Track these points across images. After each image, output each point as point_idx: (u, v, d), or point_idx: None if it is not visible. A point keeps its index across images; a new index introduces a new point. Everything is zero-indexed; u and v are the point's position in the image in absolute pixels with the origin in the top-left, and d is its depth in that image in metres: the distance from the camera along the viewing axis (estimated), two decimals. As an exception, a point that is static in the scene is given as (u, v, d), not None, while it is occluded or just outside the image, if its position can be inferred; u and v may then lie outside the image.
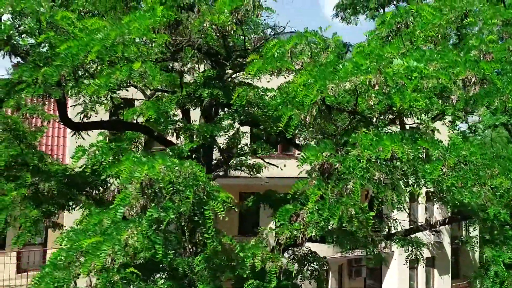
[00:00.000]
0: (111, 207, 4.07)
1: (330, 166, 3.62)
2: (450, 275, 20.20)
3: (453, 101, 4.16)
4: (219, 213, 3.80)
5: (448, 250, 19.87)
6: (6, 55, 5.11)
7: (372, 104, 3.90)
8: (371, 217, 3.72)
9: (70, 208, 7.86)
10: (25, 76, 5.00)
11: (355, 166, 3.59)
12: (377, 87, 3.86)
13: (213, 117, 7.54)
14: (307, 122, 4.11)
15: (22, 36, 5.05)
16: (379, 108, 3.96)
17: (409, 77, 4.04)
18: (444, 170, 3.57)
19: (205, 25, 5.11)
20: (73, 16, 4.98)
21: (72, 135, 8.34)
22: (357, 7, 11.56)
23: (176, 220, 3.87)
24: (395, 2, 10.54)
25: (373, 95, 3.97)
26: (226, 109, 6.83)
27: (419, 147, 3.58)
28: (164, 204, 3.90)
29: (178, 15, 5.02)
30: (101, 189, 7.87)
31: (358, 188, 3.49)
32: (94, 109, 7.53)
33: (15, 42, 5.01)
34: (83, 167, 8.39)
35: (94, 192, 7.89)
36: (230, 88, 6.30)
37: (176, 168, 3.69)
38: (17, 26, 4.89)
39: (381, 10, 11.47)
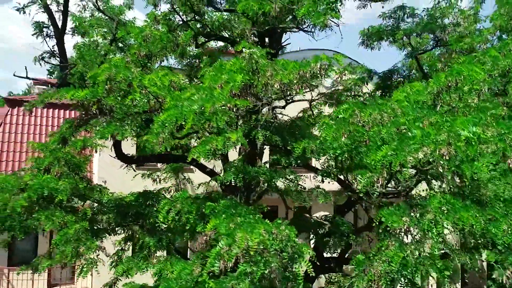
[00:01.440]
0: (208, 260, 4.54)
1: (407, 229, 4.12)
2: None
3: (510, 165, 4.64)
4: (308, 270, 4.29)
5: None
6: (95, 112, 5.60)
7: (441, 171, 4.40)
8: (446, 276, 4.22)
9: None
10: (109, 130, 5.50)
11: (431, 229, 4.09)
12: (447, 157, 4.35)
13: (257, 154, 8.04)
14: (379, 183, 4.61)
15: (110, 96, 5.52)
16: (447, 174, 4.46)
17: (470, 142, 4.54)
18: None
19: (275, 85, 5.58)
20: (158, 79, 5.47)
21: (124, 168, 8.90)
22: (383, 36, 12.02)
23: (268, 274, 4.35)
24: (421, 34, 11.01)
25: (441, 162, 4.45)
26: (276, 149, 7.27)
27: (489, 215, 4.08)
28: (255, 258, 4.39)
29: (250, 77, 5.49)
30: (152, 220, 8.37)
31: (436, 251, 3.98)
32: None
33: (103, 102, 5.50)
34: (134, 195, 9.02)
35: (147, 222, 8.38)
36: (287, 132, 6.75)
37: (274, 231, 4.17)
38: (107, 88, 5.36)
39: (405, 38, 11.92)
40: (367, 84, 12.41)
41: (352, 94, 12.24)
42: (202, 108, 4.71)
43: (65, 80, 7.04)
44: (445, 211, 4.14)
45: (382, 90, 12.35)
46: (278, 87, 5.60)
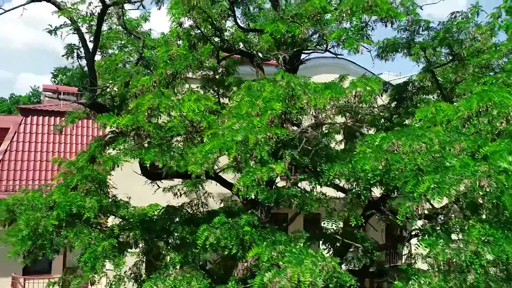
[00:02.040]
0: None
1: (450, 261, 4.23)
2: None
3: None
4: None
5: None
6: (132, 138, 5.70)
7: (481, 202, 4.51)
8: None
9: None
10: (149, 157, 5.60)
11: (473, 261, 4.20)
12: (486, 189, 4.46)
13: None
14: (420, 212, 4.72)
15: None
16: (488, 206, 4.57)
17: (508, 172, 4.65)
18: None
19: (309, 111, 5.69)
20: (196, 105, 5.57)
21: (149, 184, 9.03)
22: (398, 48, 12.12)
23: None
24: (436, 48, 11.11)
25: (480, 193, 4.57)
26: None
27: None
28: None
29: (287, 105, 5.59)
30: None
31: (481, 284, 4.09)
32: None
33: (142, 128, 5.60)
34: (155, 207, 9.16)
35: (172, 238, 8.50)
36: (314, 152, 6.85)
37: (320, 263, 4.28)
38: (147, 116, 5.46)
39: (421, 51, 12.02)
40: (382, 95, 12.52)
41: (368, 106, 12.36)
42: (246, 139, 4.81)
43: (95, 101, 7.13)
44: (486, 242, 4.25)
45: (397, 101, 12.45)
46: (313, 113, 5.70)
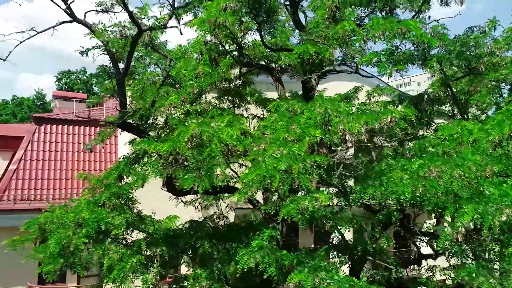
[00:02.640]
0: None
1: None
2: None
3: None
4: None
5: None
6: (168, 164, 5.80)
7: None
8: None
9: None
10: (189, 183, 5.70)
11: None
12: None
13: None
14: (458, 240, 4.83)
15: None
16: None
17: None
18: None
19: (346, 137, 5.78)
20: (235, 132, 5.67)
21: (174, 200, 9.15)
22: (414, 61, 12.23)
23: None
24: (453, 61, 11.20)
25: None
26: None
27: None
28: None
29: (324, 131, 5.69)
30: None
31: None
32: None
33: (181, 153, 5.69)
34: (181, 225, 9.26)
35: (197, 254, 8.59)
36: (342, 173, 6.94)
37: None
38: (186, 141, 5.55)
39: (437, 64, 12.11)
40: (397, 107, 12.63)
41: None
42: (289, 168, 4.91)
43: (125, 120, 7.23)
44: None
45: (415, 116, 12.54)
46: (348, 137, 5.80)
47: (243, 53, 9.98)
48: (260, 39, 8.36)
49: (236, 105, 11.87)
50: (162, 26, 6.98)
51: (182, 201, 9.42)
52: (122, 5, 5.69)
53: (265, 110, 12.24)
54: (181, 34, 7.40)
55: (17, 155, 15.50)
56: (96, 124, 17.32)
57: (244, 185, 4.98)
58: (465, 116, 12.04)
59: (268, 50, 8.67)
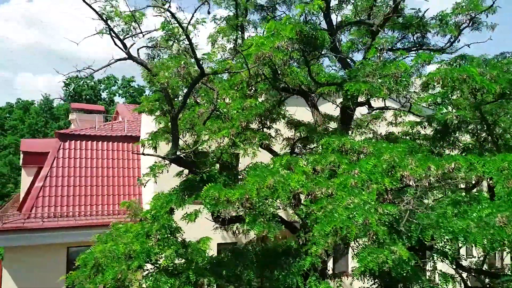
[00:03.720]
0: None
1: None
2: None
3: None
4: None
5: None
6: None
7: None
8: None
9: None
10: (258, 229, 5.83)
11: None
12: None
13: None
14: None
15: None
16: None
17: None
18: None
19: (410, 182, 5.90)
20: (299, 177, 5.79)
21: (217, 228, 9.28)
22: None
23: None
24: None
25: None
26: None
27: None
28: None
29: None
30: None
31: None
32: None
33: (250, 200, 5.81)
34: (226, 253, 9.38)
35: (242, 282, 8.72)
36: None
37: None
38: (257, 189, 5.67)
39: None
40: (425, 128, 12.75)
41: (410, 138, 12.61)
42: (366, 220, 5.03)
43: (177, 156, 7.35)
44: None
45: (441, 133, 12.66)
46: (412, 183, 5.92)
47: (281, 79, 10.11)
48: (308, 74, 8.44)
49: (266, 126, 12.01)
50: (226, 71, 7.10)
51: (226, 229, 9.50)
52: (191, 52, 5.76)
53: (295, 131, 12.38)
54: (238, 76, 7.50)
55: (43, 172, 15.60)
56: (119, 139, 17.45)
57: (320, 236, 5.10)
58: (495, 140, 12.15)
59: (316, 84, 8.77)
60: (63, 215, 14.95)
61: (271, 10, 12.26)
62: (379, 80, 6.91)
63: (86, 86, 47.53)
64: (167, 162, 7.98)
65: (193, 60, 7.12)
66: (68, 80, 48.20)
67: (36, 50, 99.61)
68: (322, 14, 9.72)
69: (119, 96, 49.60)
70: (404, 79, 7.10)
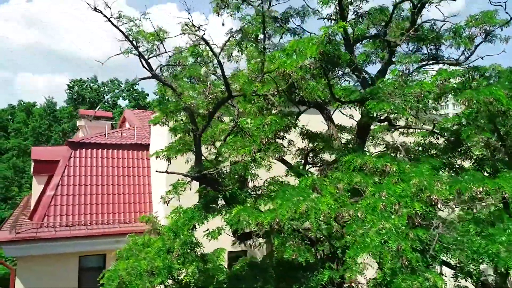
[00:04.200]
0: None
1: None
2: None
3: None
4: None
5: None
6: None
7: None
8: None
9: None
10: (290, 251, 5.87)
11: None
12: None
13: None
14: None
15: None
16: None
17: None
18: None
19: (437, 205, 5.94)
20: (330, 201, 5.83)
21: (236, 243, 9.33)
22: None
23: None
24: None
25: None
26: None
27: None
28: None
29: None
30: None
31: None
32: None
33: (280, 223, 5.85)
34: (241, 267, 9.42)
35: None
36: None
37: None
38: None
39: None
40: (437, 139, 12.80)
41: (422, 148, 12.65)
42: (398, 248, 5.08)
43: (201, 174, 7.40)
44: None
45: (453, 144, 12.70)
46: (441, 207, 5.97)
47: (297, 92, 10.15)
48: (330, 92, 8.49)
49: (279, 137, 12.04)
50: (253, 93, 7.15)
51: (245, 244, 9.56)
52: (222, 78, 5.82)
53: (309, 143, 12.43)
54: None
55: (54, 180, 15.64)
56: (129, 147, 17.49)
57: (353, 262, 5.15)
58: (509, 151, 12.18)
59: (340, 102, 8.81)
60: (75, 224, 14.99)
61: (284, 22, 12.31)
62: (401, 99, 6.95)
63: (89, 89, 47.53)
64: (189, 179, 8.01)
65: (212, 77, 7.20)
66: (72, 83, 48.25)
67: (36, 50, 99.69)
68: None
69: (122, 99, 49.78)
70: (427, 99, 7.15)
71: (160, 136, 15.27)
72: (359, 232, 5.53)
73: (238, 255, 13.80)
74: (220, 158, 7.79)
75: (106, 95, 45.87)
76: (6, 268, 32.57)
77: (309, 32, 11.59)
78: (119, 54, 7.04)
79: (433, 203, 5.93)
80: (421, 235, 5.38)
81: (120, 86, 48.69)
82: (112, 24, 6.38)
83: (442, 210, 6.23)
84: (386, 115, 7.75)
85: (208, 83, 6.55)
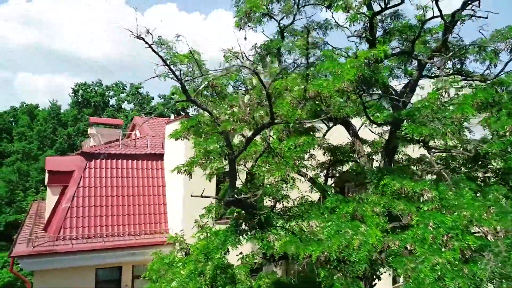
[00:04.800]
0: None
1: None
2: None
3: None
4: None
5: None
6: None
7: None
8: None
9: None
10: (338, 285, 5.77)
11: None
12: None
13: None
14: None
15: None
16: None
17: None
18: None
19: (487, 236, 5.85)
20: (379, 233, 5.72)
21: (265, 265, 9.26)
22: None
23: None
24: None
25: None
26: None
27: None
28: None
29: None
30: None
31: None
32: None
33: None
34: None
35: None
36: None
37: None
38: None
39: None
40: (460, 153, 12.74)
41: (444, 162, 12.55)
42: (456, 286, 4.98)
43: (237, 199, 7.30)
44: None
45: (472, 158, 12.60)
46: (490, 238, 5.88)
47: (325, 110, 10.05)
48: (365, 114, 8.38)
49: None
50: (296, 121, 7.05)
51: (272, 264, 9.46)
52: (269, 106, 5.71)
53: (330, 156, 12.34)
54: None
55: (70, 192, 15.52)
56: (144, 157, 17.37)
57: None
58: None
59: (375, 124, 8.71)
60: (91, 237, 14.87)
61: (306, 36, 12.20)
62: (441, 123, 6.85)
63: (94, 93, 47.34)
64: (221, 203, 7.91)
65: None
66: (76, 86, 48.07)
67: (36, 50, 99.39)
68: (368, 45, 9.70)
69: (127, 103, 49.49)
70: (467, 123, 7.06)
71: (177, 147, 15.15)
72: (410, 265, 5.43)
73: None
74: (254, 180, 7.68)
75: (111, 99, 45.71)
76: (11, 275, 32.50)
77: (331, 46, 11.48)
78: (154, 77, 6.96)
79: (484, 235, 5.83)
80: (476, 271, 5.27)
81: (125, 89, 48.52)
82: (153, 50, 6.27)
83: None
84: (422, 137, 7.62)
85: (248, 109, 6.43)
